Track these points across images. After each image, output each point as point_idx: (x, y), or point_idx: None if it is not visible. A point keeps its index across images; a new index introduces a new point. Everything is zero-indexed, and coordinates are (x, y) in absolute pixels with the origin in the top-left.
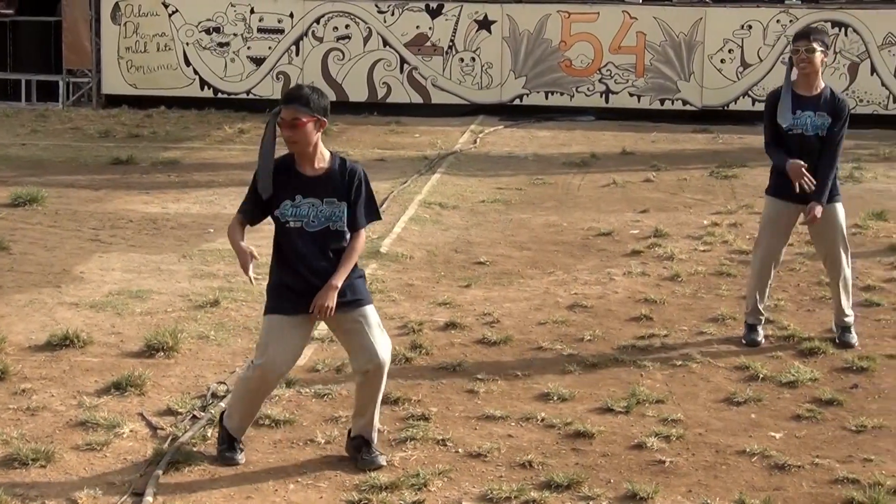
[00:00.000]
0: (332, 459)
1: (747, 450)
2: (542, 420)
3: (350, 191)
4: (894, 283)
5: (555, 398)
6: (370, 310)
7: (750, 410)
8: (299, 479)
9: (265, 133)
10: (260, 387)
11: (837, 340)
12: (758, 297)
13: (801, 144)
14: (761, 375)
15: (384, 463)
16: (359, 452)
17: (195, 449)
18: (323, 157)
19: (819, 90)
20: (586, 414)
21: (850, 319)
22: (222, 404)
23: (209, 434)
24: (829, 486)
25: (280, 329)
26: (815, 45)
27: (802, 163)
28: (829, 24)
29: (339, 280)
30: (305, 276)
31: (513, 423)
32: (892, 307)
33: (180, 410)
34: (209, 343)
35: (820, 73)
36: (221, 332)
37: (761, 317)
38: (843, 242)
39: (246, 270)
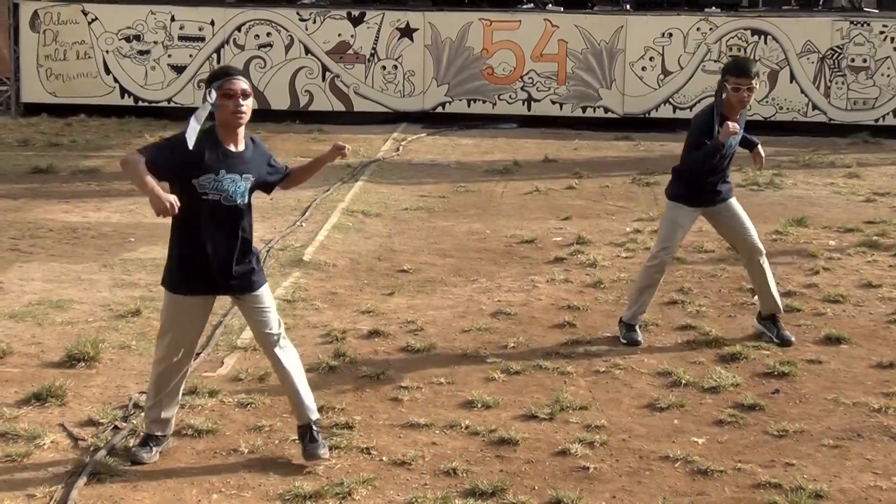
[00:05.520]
0: (255, 469)
1: (670, 455)
2: (467, 427)
3: (262, 162)
4: (814, 289)
5: (479, 405)
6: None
7: (673, 416)
8: (223, 489)
9: (206, 109)
10: (166, 374)
11: (777, 338)
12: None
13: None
14: (684, 381)
15: (325, 455)
16: (302, 444)
17: (117, 459)
18: (243, 135)
19: None
20: (510, 421)
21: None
22: (144, 414)
23: (131, 444)
24: (751, 491)
25: (183, 312)
26: (754, 81)
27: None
28: (748, 32)
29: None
30: (212, 253)
31: (437, 431)
32: (813, 312)
33: (102, 421)
34: (131, 353)
35: None
36: (143, 341)
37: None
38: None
39: (168, 208)
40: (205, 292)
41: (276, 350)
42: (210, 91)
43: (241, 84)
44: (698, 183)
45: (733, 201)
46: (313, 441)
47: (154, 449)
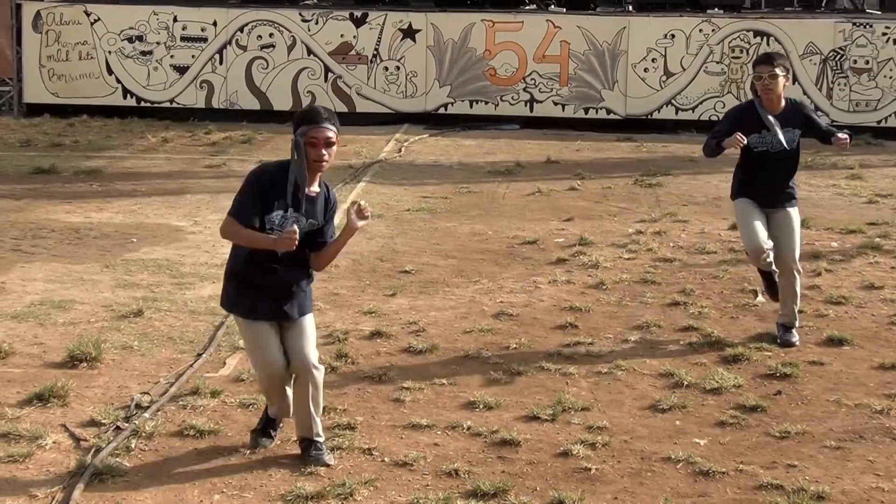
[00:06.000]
0: (257, 469)
1: (672, 456)
2: (469, 428)
3: (326, 215)
4: (817, 291)
5: (481, 406)
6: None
7: (675, 417)
8: (224, 490)
9: (299, 156)
10: (273, 385)
11: (780, 340)
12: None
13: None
14: (685, 382)
15: (330, 462)
16: (306, 452)
17: (119, 460)
18: (319, 180)
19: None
20: (512, 422)
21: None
22: (146, 415)
23: (133, 445)
24: (753, 492)
25: (264, 335)
26: (777, 70)
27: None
28: (751, 34)
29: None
30: (277, 280)
31: (439, 432)
32: (815, 314)
33: (104, 421)
34: (133, 353)
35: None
36: (145, 342)
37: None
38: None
39: (292, 242)
40: (266, 318)
41: (308, 375)
42: (298, 140)
43: (327, 133)
44: (745, 182)
45: (790, 211)
46: (318, 450)
47: (272, 438)
